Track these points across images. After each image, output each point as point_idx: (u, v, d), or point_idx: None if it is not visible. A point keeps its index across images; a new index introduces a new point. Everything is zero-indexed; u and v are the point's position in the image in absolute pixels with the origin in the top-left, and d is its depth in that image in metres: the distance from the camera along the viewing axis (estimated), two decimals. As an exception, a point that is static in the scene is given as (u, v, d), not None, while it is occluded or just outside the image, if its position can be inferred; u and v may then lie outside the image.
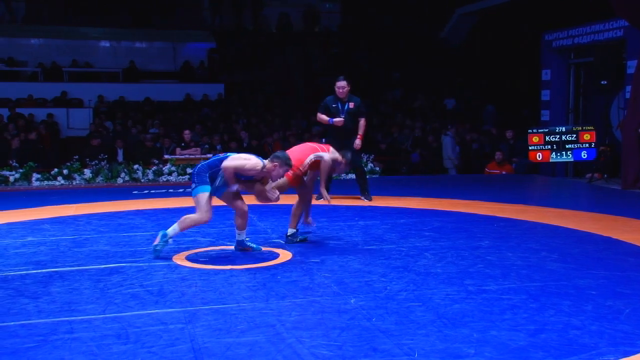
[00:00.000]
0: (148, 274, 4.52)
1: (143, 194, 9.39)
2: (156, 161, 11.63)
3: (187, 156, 11.80)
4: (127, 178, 11.06)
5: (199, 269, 4.70)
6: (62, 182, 10.76)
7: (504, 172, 12.11)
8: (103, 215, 7.30)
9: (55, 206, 8.00)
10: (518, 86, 17.86)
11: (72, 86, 17.69)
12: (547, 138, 11.13)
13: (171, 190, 9.80)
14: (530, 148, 11.32)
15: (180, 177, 11.14)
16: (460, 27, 20.70)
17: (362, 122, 8.18)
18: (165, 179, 11.13)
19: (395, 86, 19.30)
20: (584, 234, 5.98)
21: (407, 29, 21.97)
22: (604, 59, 10.94)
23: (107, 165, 11.17)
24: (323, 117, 8.19)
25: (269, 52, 20.30)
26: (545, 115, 12.65)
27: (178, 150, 11.98)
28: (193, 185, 5.10)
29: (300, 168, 5.47)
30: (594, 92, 11.79)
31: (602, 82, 10.83)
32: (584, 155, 10.90)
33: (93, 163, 11.14)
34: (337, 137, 7.96)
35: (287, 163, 5.14)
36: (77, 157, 11.20)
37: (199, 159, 11.71)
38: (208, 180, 5.03)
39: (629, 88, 10.08)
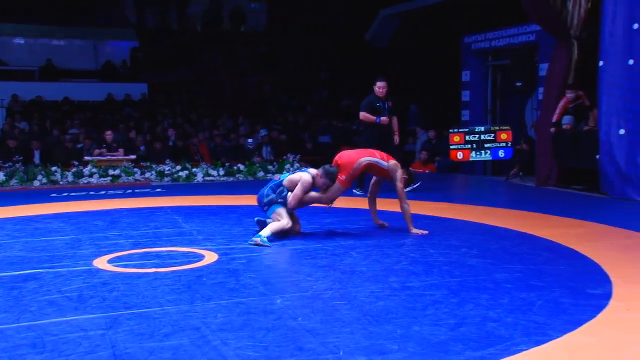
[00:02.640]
0: (67, 280, 4.37)
1: (62, 197, 9.06)
2: (76, 163, 11.23)
3: (109, 157, 11.48)
4: (44, 180, 10.64)
5: (121, 273, 4.58)
6: (-26, 185, 10.23)
7: (427, 171, 12.43)
8: (18, 220, 6.99)
9: (-35, 211, 7.60)
10: (440, 87, 18.34)
11: (-17, 85, 16.85)
12: (467, 137, 11.50)
13: (92, 193, 9.49)
14: (451, 147, 11.66)
15: (102, 179, 10.81)
16: (384, 29, 21.05)
17: (395, 119, 8.74)
18: (86, 181, 10.78)
19: (322, 87, 19.45)
20: (502, 230, 6.21)
21: (333, 30, 22.16)
22: (519, 62, 11.43)
23: (23, 167, 10.70)
24: (369, 116, 8.52)
25: (194, 51, 20.00)
26: (466, 115, 13.09)
27: (97, 151, 11.62)
28: (265, 208, 5.87)
29: (350, 172, 5.86)
30: (510, 93, 12.29)
31: (517, 84, 11.31)
32: (501, 154, 11.34)
33: (7, 165, 10.65)
34: (380, 135, 8.46)
35: (329, 177, 5.78)
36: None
37: (122, 160, 11.44)
38: (276, 200, 5.83)
39: (541, 90, 10.57)
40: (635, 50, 8.02)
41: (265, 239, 5.51)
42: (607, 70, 8.42)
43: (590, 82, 9.08)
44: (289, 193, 5.85)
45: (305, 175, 5.85)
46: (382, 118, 8.45)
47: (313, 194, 5.94)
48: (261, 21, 23.51)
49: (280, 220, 5.74)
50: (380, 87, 8.55)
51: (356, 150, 6.31)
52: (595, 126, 8.92)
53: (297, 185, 5.81)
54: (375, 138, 8.42)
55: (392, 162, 6.06)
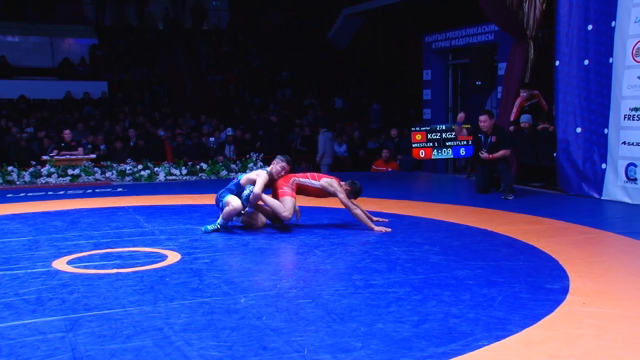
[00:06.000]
0: (24, 282, 4.27)
1: (19, 197, 8.84)
2: (34, 162, 10.97)
3: (68, 157, 11.25)
4: (0, 181, 10.37)
5: (81, 274, 4.49)
6: None
7: (389, 169, 12.53)
8: (-27, 221, 6.80)
9: None
10: (403, 85, 18.51)
11: None
12: (429, 136, 11.62)
13: (51, 193, 9.29)
14: (413, 145, 11.77)
15: (60, 178, 10.58)
16: (347, 28, 21.14)
17: (501, 152, 8.36)
18: (44, 181, 10.54)
19: (285, 85, 19.43)
20: (463, 227, 6.31)
21: (295, 28, 22.17)
22: (479, 61, 11.60)
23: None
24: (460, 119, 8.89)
25: (156, 49, 19.74)
26: (427, 113, 13.23)
27: (54, 151, 11.36)
28: (220, 205, 6.08)
29: (288, 185, 6.16)
30: (470, 91, 12.47)
31: (477, 83, 11.48)
32: (462, 152, 11.49)
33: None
34: (482, 167, 8.71)
35: (284, 160, 6.15)
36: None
37: (81, 160, 11.22)
38: (229, 193, 6.07)
39: (500, 88, 10.76)
40: (591, 51, 8.22)
41: (215, 226, 6.00)
42: (564, 70, 8.62)
43: (547, 82, 9.30)
44: (248, 189, 6.02)
45: (261, 173, 6.11)
46: (482, 155, 8.47)
47: (276, 202, 6.11)
48: (224, 19, 23.36)
49: (230, 207, 5.93)
50: (480, 121, 8.45)
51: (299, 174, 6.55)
52: (550, 126, 9.13)
53: (253, 181, 6.04)
54: (481, 175, 8.71)
55: (324, 179, 6.27)
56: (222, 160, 11.93)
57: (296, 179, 6.25)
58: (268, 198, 6.13)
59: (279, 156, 6.25)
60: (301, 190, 6.27)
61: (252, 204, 6.04)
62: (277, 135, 14.60)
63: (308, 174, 6.51)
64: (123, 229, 6.25)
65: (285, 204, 6.04)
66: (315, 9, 22.13)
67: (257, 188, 5.98)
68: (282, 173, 6.20)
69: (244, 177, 6.15)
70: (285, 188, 6.12)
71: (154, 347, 3.06)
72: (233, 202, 5.97)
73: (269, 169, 6.19)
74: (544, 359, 2.94)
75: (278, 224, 6.33)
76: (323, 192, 6.27)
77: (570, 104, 8.55)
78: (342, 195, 6.11)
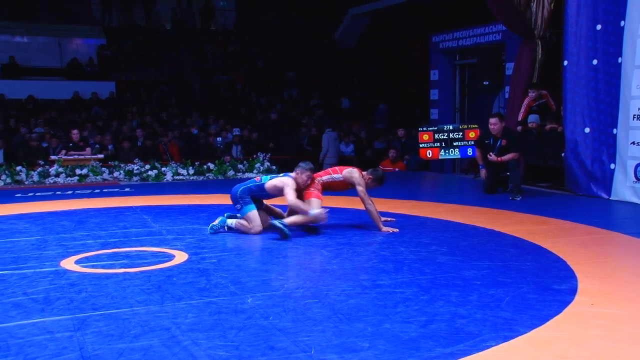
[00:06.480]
0: (33, 281, 4.29)
1: (27, 197, 8.88)
2: (42, 162, 11.02)
3: (76, 157, 11.29)
4: (9, 180, 10.42)
5: (89, 274, 4.51)
6: None
7: (397, 170, 12.50)
8: (-18, 221, 6.83)
9: None
10: (409, 85, 18.48)
11: (-57, 83, 16.44)
12: (436, 136, 11.57)
13: (59, 193, 9.33)
14: (420, 146, 11.72)
15: (68, 178, 10.62)
16: (353, 28, 21.12)
17: (509, 155, 8.26)
18: (52, 181, 10.58)
19: (291, 85, 19.44)
20: (470, 227, 6.29)
21: (301, 28, 22.17)
22: (486, 61, 11.56)
23: (-14, 167, 10.47)
24: (478, 157, 8.76)
25: (163, 49, 19.79)
26: (434, 113, 13.20)
27: (63, 151, 11.41)
28: (238, 207, 5.98)
29: (315, 186, 6.13)
30: (478, 91, 12.43)
31: (485, 83, 11.44)
32: (470, 153, 11.45)
33: (-31, 165, 10.41)
34: (492, 173, 8.57)
35: (307, 168, 6.03)
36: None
37: (89, 160, 11.26)
38: (251, 200, 5.95)
39: (507, 88, 10.73)
40: (599, 51, 8.18)
41: (221, 226, 6.00)
42: (572, 70, 8.59)
43: (555, 82, 9.26)
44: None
45: (287, 180, 5.96)
46: (490, 157, 8.37)
47: (303, 210, 5.94)
48: (230, 19, 23.40)
49: (250, 225, 5.93)
50: (490, 123, 8.36)
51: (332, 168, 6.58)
52: (559, 127, 9.09)
53: (280, 189, 5.90)
54: (488, 175, 8.60)
55: (346, 170, 6.27)
56: (229, 161, 11.95)
57: (319, 179, 6.22)
58: (297, 208, 5.96)
59: (301, 165, 6.09)
60: (326, 187, 6.25)
61: (296, 210, 5.90)
62: (286, 136, 14.60)
63: (330, 169, 6.46)
64: (130, 229, 6.27)
65: (312, 204, 5.99)
66: (321, 9, 22.13)
67: (291, 197, 5.80)
68: (308, 181, 6.11)
69: (269, 182, 5.98)
70: (312, 189, 6.10)
71: (161, 347, 3.07)
72: (255, 224, 5.91)
73: (293, 175, 6.07)
74: (552, 359, 2.92)
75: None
76: (347, 184, 6.25)
77: (578, 104, 8.52)
78: (360, 188, 6.09)
